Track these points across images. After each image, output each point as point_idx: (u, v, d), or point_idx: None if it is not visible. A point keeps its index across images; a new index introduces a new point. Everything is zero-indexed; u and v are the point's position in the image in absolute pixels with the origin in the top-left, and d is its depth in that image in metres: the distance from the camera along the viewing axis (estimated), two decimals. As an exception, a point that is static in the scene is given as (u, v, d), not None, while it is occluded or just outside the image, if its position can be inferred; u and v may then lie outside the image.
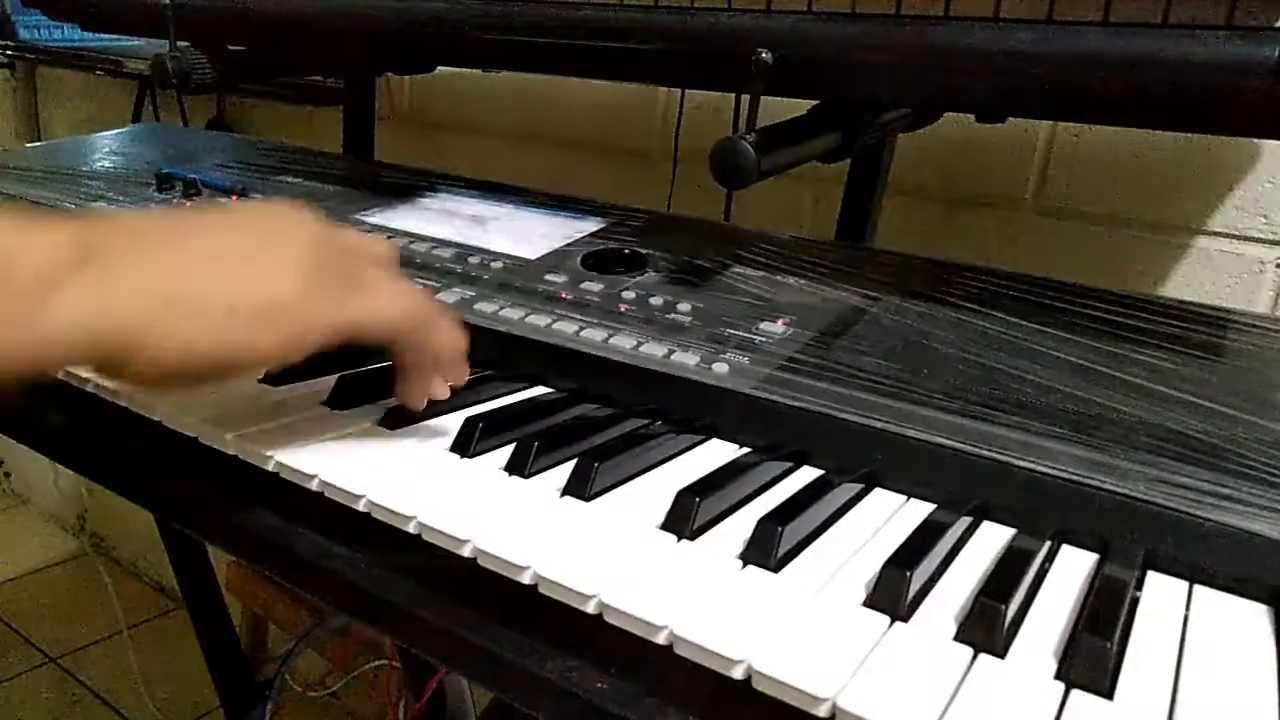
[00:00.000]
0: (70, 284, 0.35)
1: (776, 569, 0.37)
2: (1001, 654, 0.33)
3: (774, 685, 0.31)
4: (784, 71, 0.53)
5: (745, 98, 0.54)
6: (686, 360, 0.50)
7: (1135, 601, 0.36)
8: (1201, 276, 0.78)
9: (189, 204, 0.77)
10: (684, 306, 0.55)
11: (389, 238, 0.68)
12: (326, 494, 0.42)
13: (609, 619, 0.34)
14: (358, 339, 0.43)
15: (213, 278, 0.39)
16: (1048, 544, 0.40)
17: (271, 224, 0.42)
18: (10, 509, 2.41)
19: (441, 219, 0.72)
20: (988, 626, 0.33)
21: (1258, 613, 0.36)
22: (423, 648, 0.39)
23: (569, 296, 0.58)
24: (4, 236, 0.35)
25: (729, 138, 0.52)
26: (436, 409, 0.50)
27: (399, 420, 0.48)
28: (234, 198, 0.78)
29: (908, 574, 0.35)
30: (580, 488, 0.42)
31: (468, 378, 0.48)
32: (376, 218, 0.72)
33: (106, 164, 0.92)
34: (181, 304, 0.37)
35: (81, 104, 1.81)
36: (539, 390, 0.54)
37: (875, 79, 0.54)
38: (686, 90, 0.98)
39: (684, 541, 0.39)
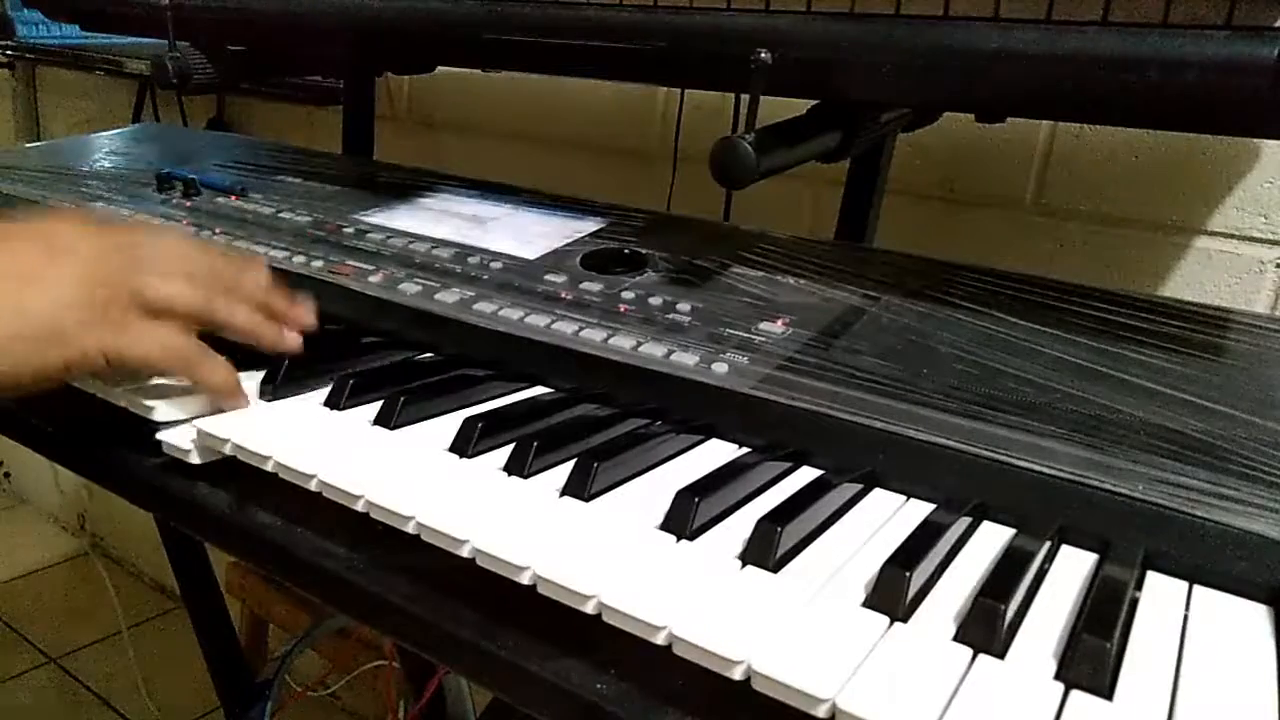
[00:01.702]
0: None
1: (776, 569, 0.37)
2: (1001, 654, 0.33)
3: (773, 686, 0.31)
4: (784, 71, 0.53)
5: (745, 98, 0.54)
6: (686, 360, 0.50)
7: (1135, 601, 0.36)
8: (1201, 276, 0.78)
9: (188, 204, 0.77)
10: (684, 306, 0.55)
11: (388, 238, 0.68)
12: (326, 494, 0.42)
13: (608, 619, 0.34)
14: (130, 366, 0.43)
15: None
16: (1048, 544, 0.39)
17: (49, 236, 0.41)
18: (10, 509, 2.41)
19: (441, 219, 0.72)
20: (987, 627, 0.33)
21: (1258, 613, 0.36)
22: (423, 648, 0.39)
23: (569, 296, 0.58)
24: None
25: (729, 138, 0.52)
26: (435, 408, 0.50)
27: (393, 417, 0.48)
28: (234, 197, 0.78)
29: (907, 574, 0.35)
30: (580, 488, 0.42)
31: (291, 343, 0.50)
32: (376, 218, 0.72)
33: (106, 164, 0.92)
34: None
35: (81, 104, 1.81)
36: (539, 390, 0.54)
37: (875, 79, 0.54)
38: (686, 90, 0.98)
39: (683, 542, 0.39)
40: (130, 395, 0.48)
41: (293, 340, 0.50)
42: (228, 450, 0.45)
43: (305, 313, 0.52)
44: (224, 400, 0.48)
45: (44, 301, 0.39)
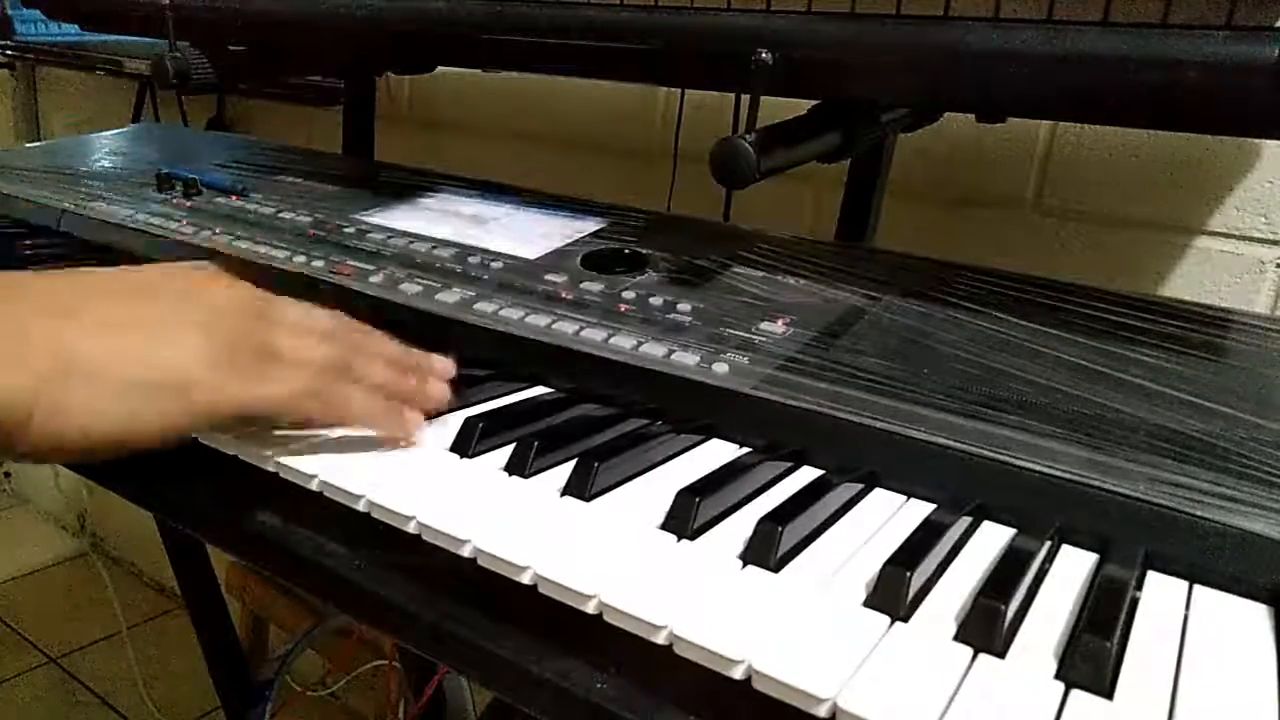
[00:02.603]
0: None
1: (776, 569, 0.37)
2: (1001, 654, 0.33)
3: (774, 685, 0.31)
4: (784, 71, 0.53)
5: (745, 98, 0.54)
6: (686, 360, 0.50)
7: (1135, 601, 0.36)
8: (1201, 276, 0.78)
9: (188, 204, 0.77)
10: (684, 306, 0.55)
11: (389, 238, 0.68)
12: (326, 494, 0.42)
13: (609, 619, 0.34)
14: (263, 419, 0.41)
15: (107, 351, 0.36)
16: (1048, 544, 0.39)
17: (182, 289, 0.40)
18: (10, 509, 2.41)
19: (441, 219, 0.72)
20: (988, 626, 0.33)
21: (1258, 613, 0.36)
22: (423, 648, 0.39)
23: (569, 296, 0.58)
24: None
25: (729, 138, 0.52)
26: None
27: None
28: (234, 197, 0.78)
29: (908, 574, 0.35)
30: (580, 488, 0.42)
31: (412, 434, 0.45)
32: (376, 218, 0.72)
33: (106, 164, 0.92)
34: (69, 381, 0.35)
35: (81, 104, 1.81)
36: (539, 390, 0.54)
37: (875, 79, 0.54)
38: (686, 90, 0.98)
39: (684, 541, 0.39)
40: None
41: (414, 424, 0.45)
42: (229, 451, 0.45)
43: (439, 386, 0.48)
44: (389, 434, 0.45)
45: (171, 352, 0.38)
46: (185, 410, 0.38)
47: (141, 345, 0.37)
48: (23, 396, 0.34)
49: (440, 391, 0.47)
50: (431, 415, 0.47)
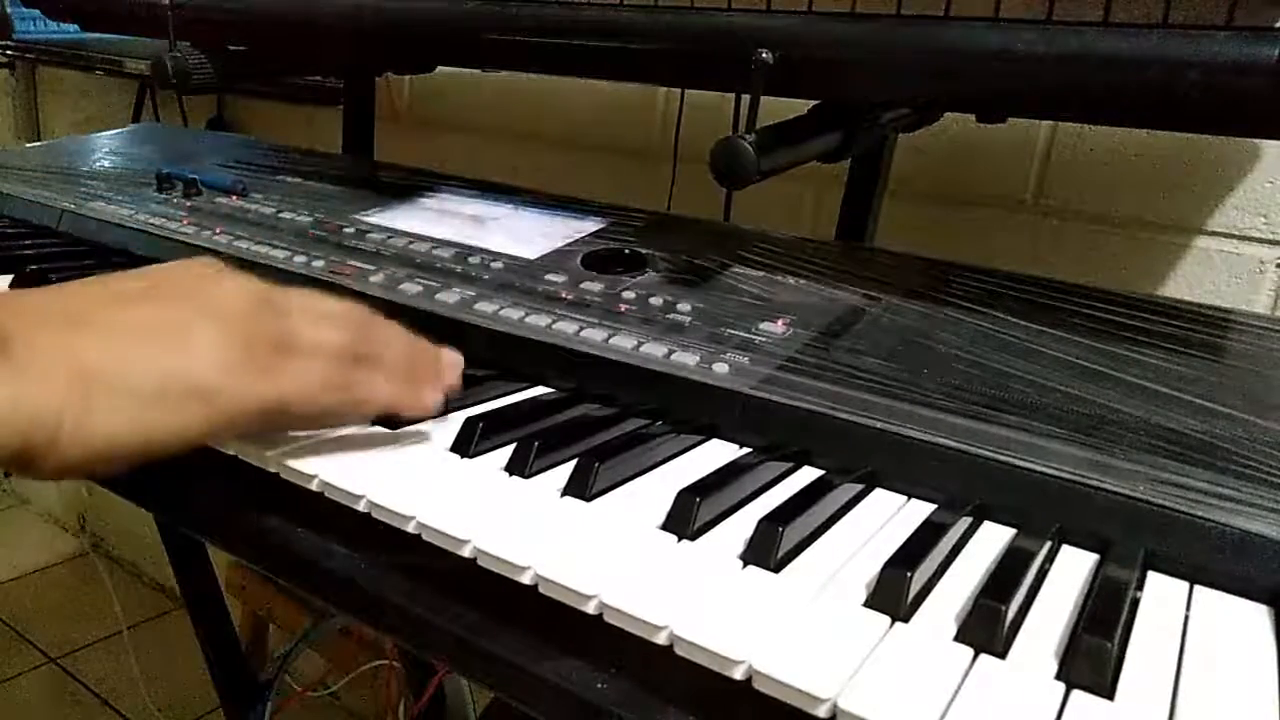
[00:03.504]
0: None
1: (777, 569, 0.37)
2: (1002, 654, 0.33)
3: (774, 685, 0.31)
4: (784, 71, 0.53)
5: (745, 98, 0.54)
6: (686, 360, 0.50)
7: (1135, 602, 0.36)
8: (1201, 276, 0.78)
9: (188, 203, 0.77)
10: (684, 306, 0.55)
11: (389, 238, 0.68)
12: (327, 494, 0.42)
13: (609, 619, 0.34)
14: (285, 420, 0.41)
15: (128, 360, 0.36)
16: (1048, 544, 0.39)
17: (196, 292, 0.40)
18: (10, 509, 2.41)
19: (441, 219, 0.72)
20: (988, 627, 0.33)
21: (1258, 613, 0.36)
22: (423, 648, 0.39)
23: (569, 296, 0.58)
24: None
25: (729, 138, 0.52)
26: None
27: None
28: (234, 197, 0.78)
29: (908, 574, 0.35)
30: (581, 488, 0.42)
31: (433, 409, 0.46)
32: (377, 218, 0.72)
33: (106, 164, 0.92)
34: (94, 392, 0.35)
35: (81, 104, 1.81)
36: (539, 390, 0.54)
37: (875, 79, 0.54)
38: (686, 90, 0.98)
39: (684, 542, 0.39)
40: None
41: (433, 402, 0.46)
42: (229, 451, 0.45)
43: (453, 370, 0.48)
44: (410, 413, 0.45)
45: (188, 357, 0.37)
46: (208, 416, 0.38)
47: (159, 353, 0.37)
48: (48, 414, 0.34)
49: (454, 373, 0.47)
50: (446, 401, 0.47)
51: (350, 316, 0.44)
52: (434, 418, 0.47)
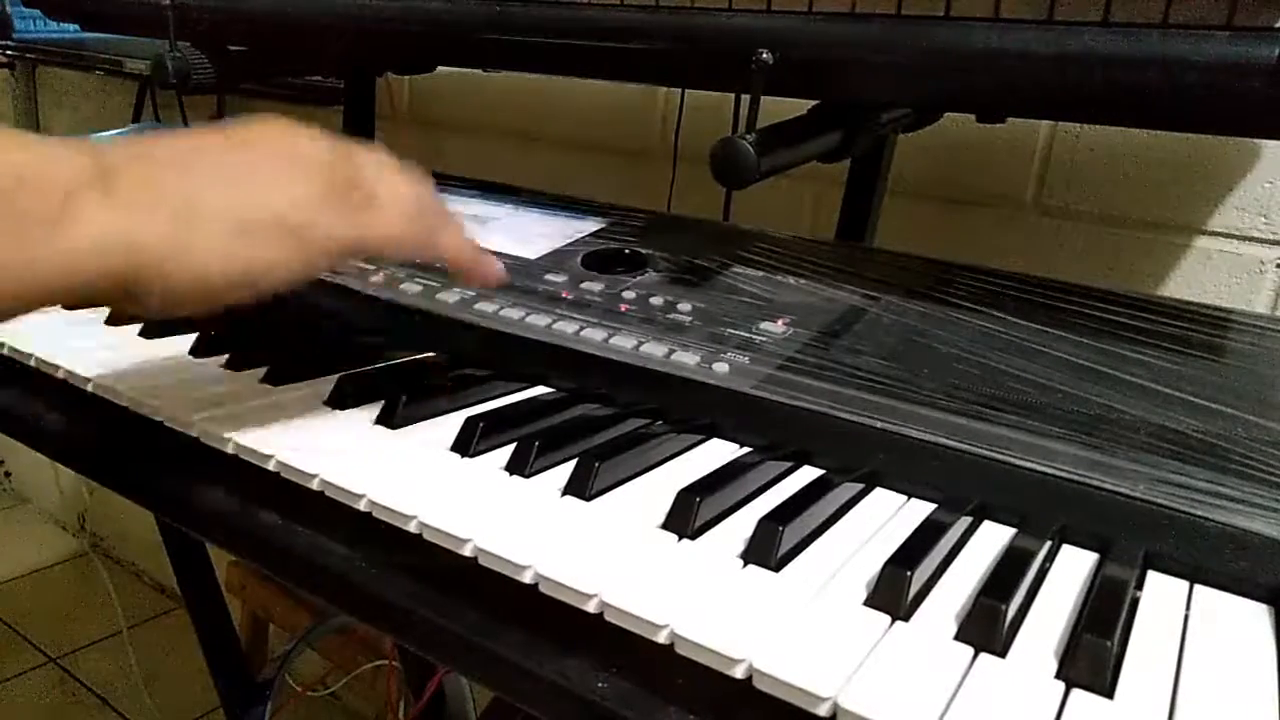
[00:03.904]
0: (92, 206, 0.35)
1: (777, 568, 0.37)
2: (1002, 653, 0.33)
3: (775, 684, 0.31)
4: (784, 71, 0.53)
5: (745, 98, 0.54)
6: (687, 360, 0.50)
7: (1135, 601, 0.36)
8: (1201, 276, 0.78)
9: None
10: (684, 306, 0.55)
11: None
12: (327, 493, 0.42)
13: (610, 618, 0.34)
14: (369, 255, 0.44)
15: (224, 197, 0.39)
16: (1048, 544, 0.40)
17: (279, 141, 0.43)
18: (10, 509, 2.41)
19: (442, 219, 0.72)
20: (988, 626, 0.33)
21: (1258, 613, 0.37)
22: (423, 648, 0.39)
23: (569, 296, 0.58)
24: (26, 154, 0.35)
25: (729, 138, 0.52)
26: (436, 408, 0.50)
27: (395, 416, 0.48)
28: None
29: (908, 573, 0.35)
30: (581, 487, 0.42)
31: (499, 275, 0.49)
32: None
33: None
34: (195, 224, 0.38)
35: (81, 104, 1.81)
36: (539, 390, 0.54)
37: (875, 79, 0.54)
38: (686, 90, 0.98)
39: (685, 541, 0.39)
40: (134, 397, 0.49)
41: (500, 273, 0.50)
42: (230, 450, 0.46)
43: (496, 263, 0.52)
44: (472, 270, 0.48)
45: (280, 196, 0.40)
46: (301, 248, 0.40)
47: (254, 191, 0.40)
48: (154, 240, 0.36)
49: (502, 276, 0.50)
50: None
51: (416, 176, 0.48)
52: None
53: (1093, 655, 0.32)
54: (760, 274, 0.59)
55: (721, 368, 0.49)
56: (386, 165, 0.46)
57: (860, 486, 0.44)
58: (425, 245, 0.46)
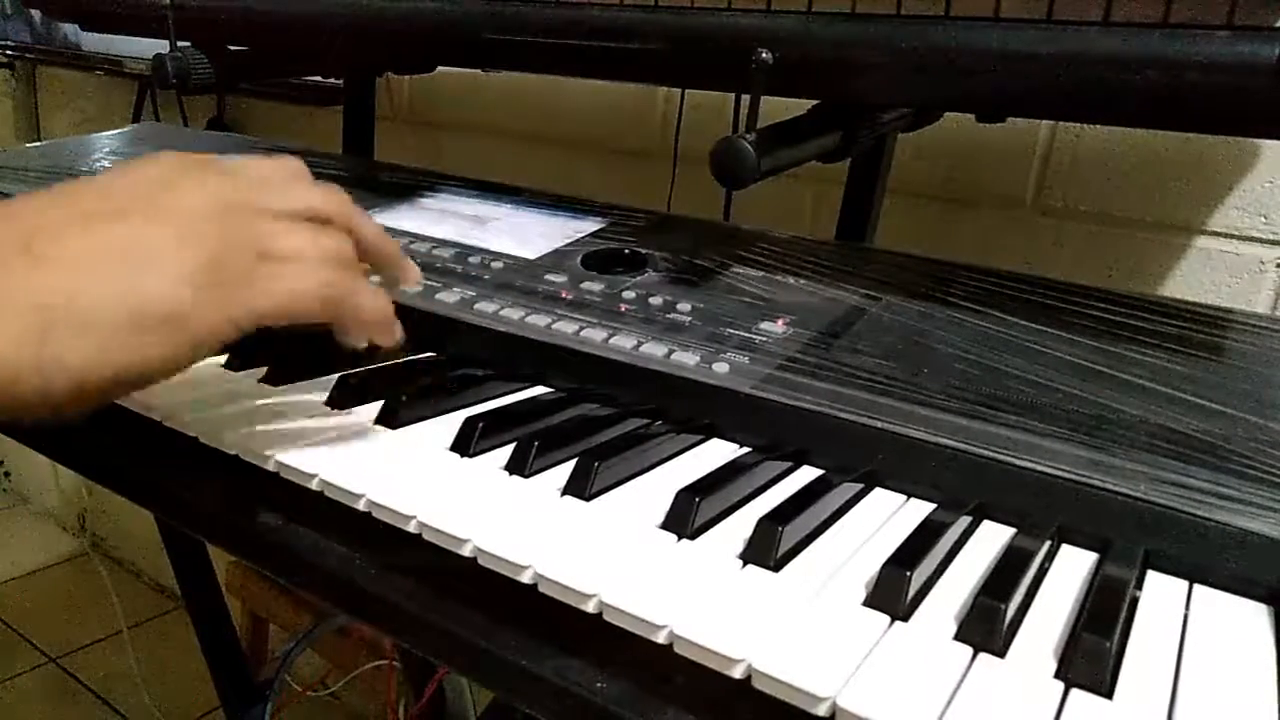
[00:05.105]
0: None
1: (777, 568, 0.37)
2: (1001, 653, 0.33)
3: (774, 684, 0.31)
4: (784, 71, 0.53)
5: (745, 98, 0.54)
6: (686, 360, 0.50)
7: (1135, 601, 0.36)
8: (1201, 276, 0.78)
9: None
10: (684, 306, 0.55)
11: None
12: (327, 494, 0.42)
13: (609, 618, 0.34)
14: (271, 324, 0.38)
15: (94, 290, 0.33)
16: (1048, 544, 0.40)
17: (159, 198, 0.37)
18: (10, 509, 2.41)
19: (441, 219, 0.72)
20: (988, 626, 0.33)
21: (1258, 613, 0.37)
22: (423, 648, 0.39)
23: (569, 296, 0.58)
24: None
25: (729, 138, 0.52)
26: (436, 407, 0.50)
27: (395, 416, 0.48)
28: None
29: (908, 573, 0.35)
30: (580, 487, 0.42)
31: (400, 339, 0.43)
32: (377, 217, 0.72)
33: (106, 164, 0.91)
34: (60, 326, 0.33)
35: (81, 104, 1.82)
36: (539, 390, 0.54)
37: (875, 79, 0.54)
38: (686, 90, 0.98)
39: (684, 541, 0.39)
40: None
41: (398, 333, 0.43)
42: (230, 450, 0.46)
43: (414, 269, 0.46)
44: (378, 334, 0.42)
45: (156, 280, 0.34)
46: (186, 340, 0.35)
47: (124, 278, 0.34)
48: (14, 357, 0.32)
49: (399, 337, 0.44)
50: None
51: (328, 207, 0.41)
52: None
53: (1092, 655, 0.32)
54: (760, 274, 0.59)
55: (721, 368, 0.49)
56: (288, 207, 0.39)
57: (859, 486, 0.44)
58: (337, 311, 0.39)
